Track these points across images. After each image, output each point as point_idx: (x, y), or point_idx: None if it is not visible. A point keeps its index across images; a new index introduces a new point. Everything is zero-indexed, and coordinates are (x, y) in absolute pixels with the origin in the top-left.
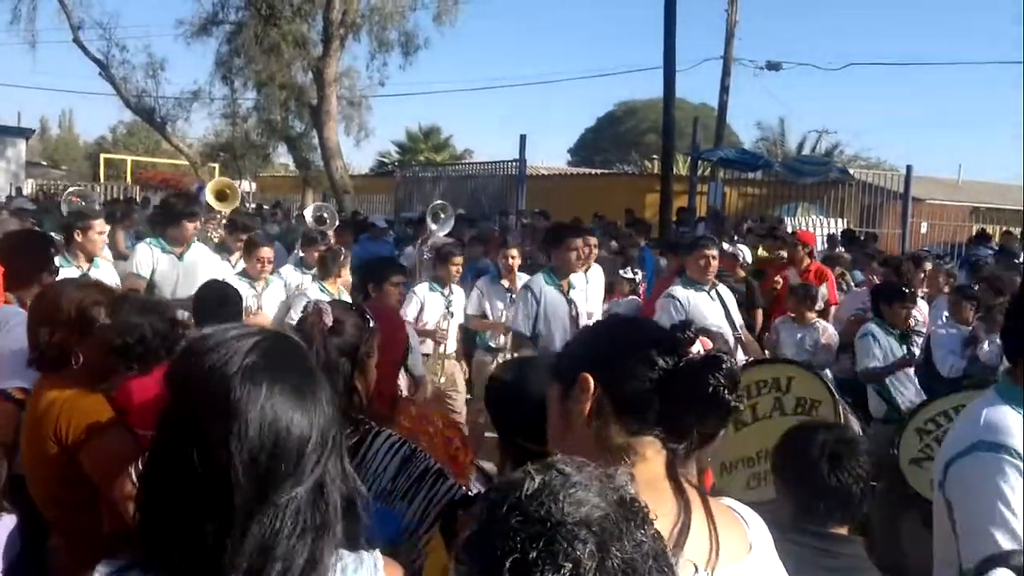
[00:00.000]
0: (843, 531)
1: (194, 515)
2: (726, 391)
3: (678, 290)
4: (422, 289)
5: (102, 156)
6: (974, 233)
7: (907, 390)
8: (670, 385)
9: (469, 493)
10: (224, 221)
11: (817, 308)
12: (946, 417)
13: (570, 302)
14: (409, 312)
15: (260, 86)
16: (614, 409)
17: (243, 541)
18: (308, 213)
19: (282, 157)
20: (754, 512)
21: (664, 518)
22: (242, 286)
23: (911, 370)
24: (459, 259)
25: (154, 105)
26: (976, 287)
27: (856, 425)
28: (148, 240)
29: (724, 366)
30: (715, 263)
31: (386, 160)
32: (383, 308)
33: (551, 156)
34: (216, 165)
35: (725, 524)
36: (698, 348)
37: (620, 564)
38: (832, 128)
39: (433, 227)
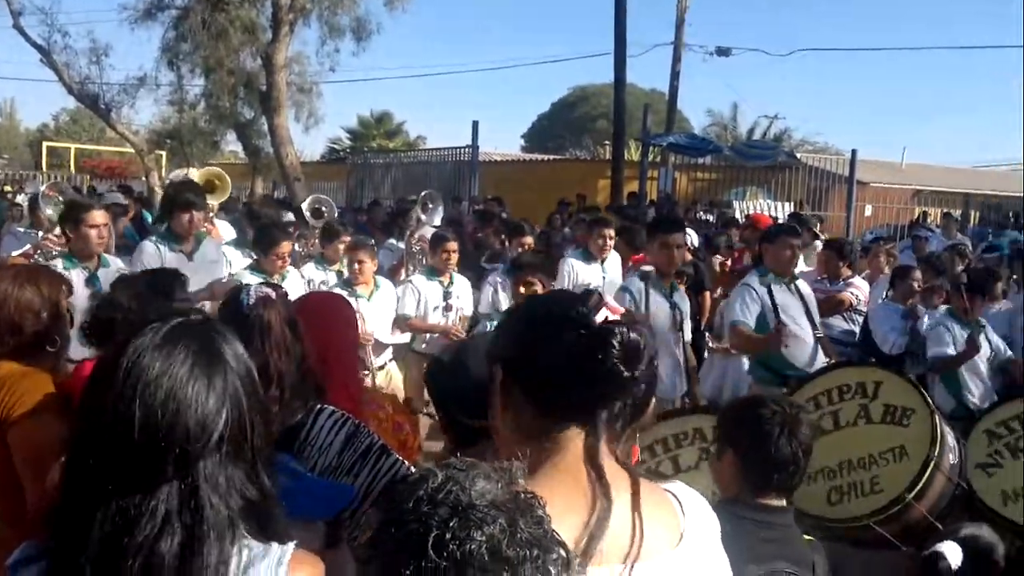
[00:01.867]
0: (782, 502)
1: (87, 500)
2: (620, 364)
3: (754, 281)
4: (419, 280)
5: (44, 144)
6: (916, 215)
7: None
8: (571, 363)
9: (412, 469)
10: (211, 214)
11: None
12: (828, 399)
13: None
14: (407, 306)
15: (208, 72)
16: (524, 395)
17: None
18: (305, 206)
19: (231, 144)
20: (699, 498)
21: (578, 513)
22: (254, 282)
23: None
24: (453, 245)
25: (98, 92)
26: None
27: (951, 437)
28: (154, 238)
29: (616, 337)
30: (799, 254)
31: (337, 147)
32: (331, 297)
33: (504, 142)
34: (163, 153)
35: (655, 513)
36: (604, 316)
37: (528, 538)
38: (781, 113)
39: (422, 217)
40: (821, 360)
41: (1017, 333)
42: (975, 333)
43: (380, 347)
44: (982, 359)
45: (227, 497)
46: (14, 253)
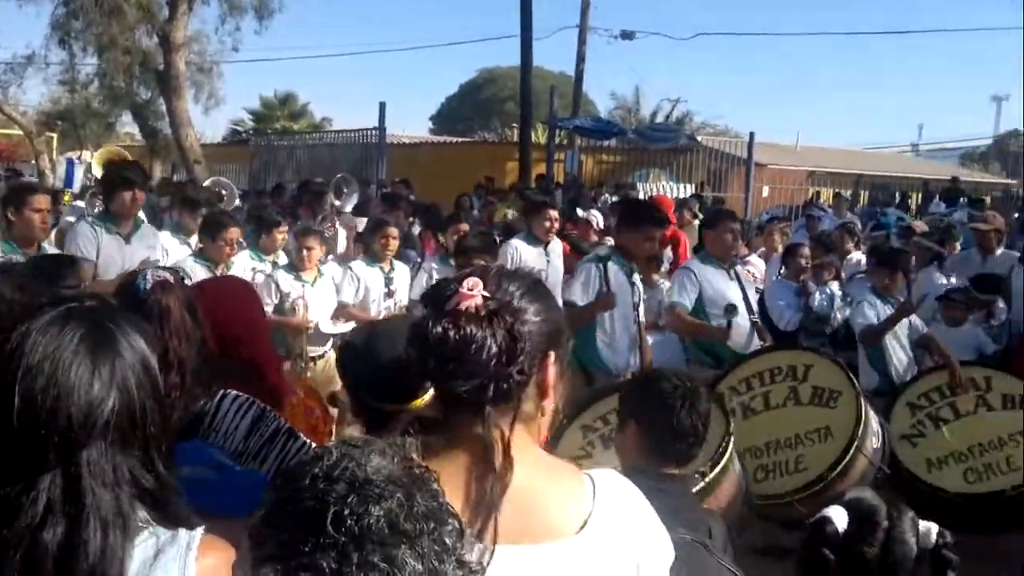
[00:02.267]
0: (679, 471)
1: None
2: (427, 359)
3: (695, 264)
4: (359, 266)
5: None
6: (810, 196)
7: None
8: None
9: None
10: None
11: (664, 270)
12: (760, 381)
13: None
14: (346, 293)
15: (101, 51)
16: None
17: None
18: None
19: (127, 126)
20: (622, 485)
21: (464, 492)
22: (199, 271)
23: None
24: (394, 231)
25: None
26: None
27: (875, 422)
28: (90, 219)
29: (422, 333)
30: (739, 240)
31: (240, 128)
32: (233, 281)
33: (412, 124)
34: (54, 135)
35: (559, 497)
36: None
37: (424, 511)
38: (683, 97)
39: (336, 202)
40: (756, 344)
41: (852, 309)
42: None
43: (321, 336)
44: (903, 334)
45: (115, 486)
46: None
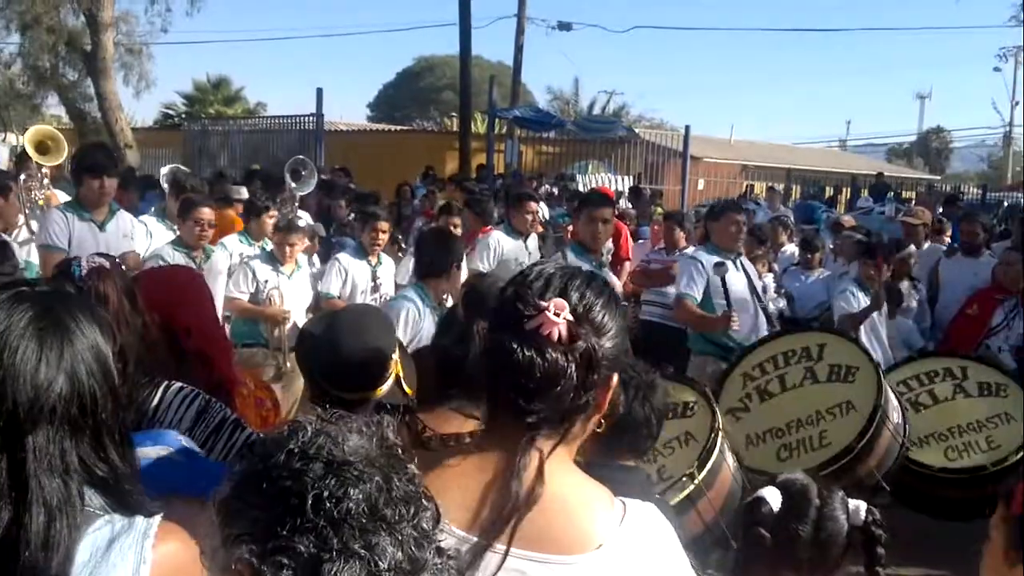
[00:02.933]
0: (633, 463)
1: None
2: (502, 376)
3: (702, 255)
4: (346, 258)
5: None
6: (743, 189)
7: None
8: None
9: None
10: (47, 180)
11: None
12: (774, 364)
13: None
14: (332, 285)
15: (24, 29)
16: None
17: None
18: (163, 174)
19: (53, 108)
20: (657, 518)
21: (483, 494)
22: (177, 257)
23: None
24: (384, 225)
25: None
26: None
27: (894, 398)
28: (62, 205)
29: (504, 351)
30: (744, 230)
31: (172, 112)
32: (177, 270)
33: (349, 111)
34: None
35: (566, 513)
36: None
37: (403, 495)
38: (619, 89)
39: (293, 186)
40: (763, 330)
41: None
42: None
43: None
44: (881, 323)
45: (63, 473)
46: None
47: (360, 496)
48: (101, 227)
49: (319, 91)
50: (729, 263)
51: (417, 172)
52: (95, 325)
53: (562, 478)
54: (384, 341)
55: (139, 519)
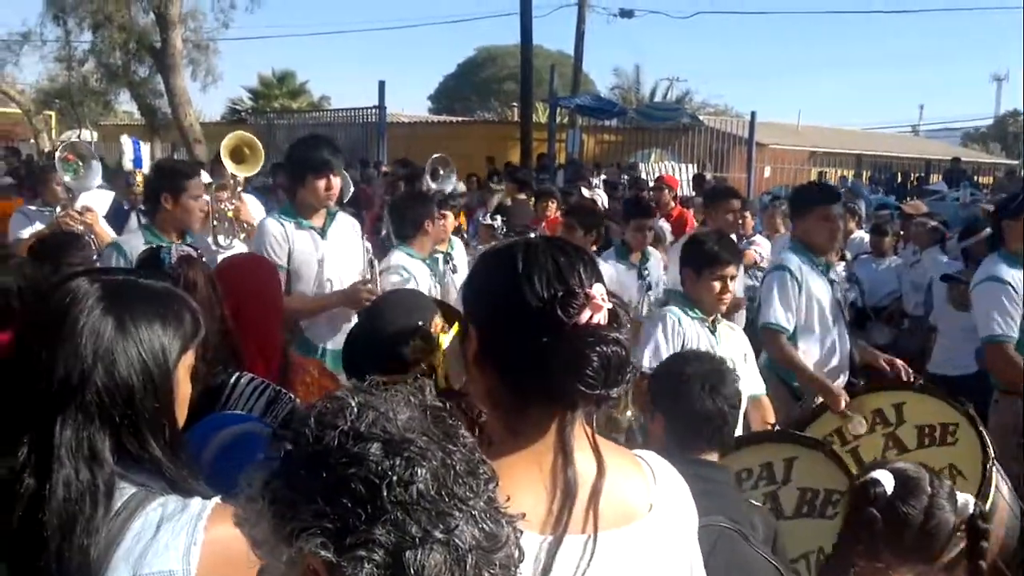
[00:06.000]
0: (714, 457)
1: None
2: (596, 375)
3: (792, 263)
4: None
5: None
6: (814, 176)
7: None
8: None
9: None
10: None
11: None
12: (842, 440)
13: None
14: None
15: (96, 27)
16: (498, 373)
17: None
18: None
19: (125, 104)
20: (670, 466)
21: (539, 488)
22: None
23: None
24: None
25: None
26: None
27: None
28: (275, 212)
29: (597, 350)
30: (841, 229)
31: (238, 107)
32: (250, 259)
33: (411, 104)
34: (52, 113)
35: (624, 483)
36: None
37: (466, 467)
38: (682, 76)
39: (433, 186)
40: (844, 357)
41: (905, 287)
42: None
43: None
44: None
45: (90, 459)
46: (23, 234)
47: (428, 475)
48: (322, 234)
49: (381, 84)
50: (817, 270)
51: (478, 163)
52: (154, 319)
53: (606, 451)
54: (403, 321)
55: (194, 501)
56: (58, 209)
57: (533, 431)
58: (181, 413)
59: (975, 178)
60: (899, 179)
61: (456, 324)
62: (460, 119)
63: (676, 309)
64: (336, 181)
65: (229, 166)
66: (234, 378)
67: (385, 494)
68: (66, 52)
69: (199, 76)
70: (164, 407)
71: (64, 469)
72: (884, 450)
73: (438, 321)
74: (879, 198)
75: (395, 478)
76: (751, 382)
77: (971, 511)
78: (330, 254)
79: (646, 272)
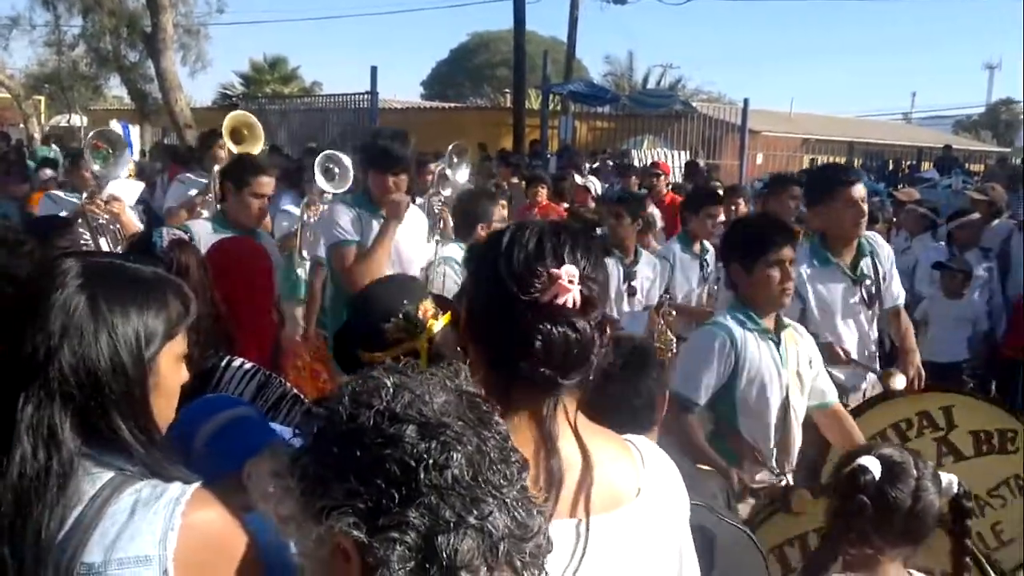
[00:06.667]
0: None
1: None
2: (533, 350)
3: (803, 264)
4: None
5: None
6: (806, 164)
7: None
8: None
9: None
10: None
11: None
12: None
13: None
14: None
15: (86, 12)
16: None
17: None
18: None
19: (115, 89)
20: (658, 450)
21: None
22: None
23: None
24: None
25: None
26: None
27: None
28: (348, 198)
29: (528, 327)
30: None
31: (229, 92)
32: (241, 243)
33: (403, 90)
34: (42, 98)
35: (612, 467)
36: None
37: (499, 454)
38: (675, 62)
39: (448, 173)
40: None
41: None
42: None
43: None
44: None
45: (48, 439)
46: None
47: (463, 460)
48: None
49: (373, 69)
50: (834, 268)
51: (471, 150)
52: (131, 303)
53: (592, 435)
54: (388, 302)
55: (173, 486)
56: (84, 196)
57: (516, 415)
58: (170, 399)
59: (966, 166)
60: (891, 167)
61: (449, 313)
62: (452, 105)
63: (730, 323)
64: (401, 180)
65: (230, 146)
66: (224, 362)
67: (421, 476)
68: (56, 37)
69: (189, 61)
70: (135, 391)
71: (21, 447)
72: (939, 456)
73: (428, 306)
74: (871, 185)
75: (431, 461)
76: (818, 390)
77: (955, 491)
78: (399, 245)
79: (707, 263)
